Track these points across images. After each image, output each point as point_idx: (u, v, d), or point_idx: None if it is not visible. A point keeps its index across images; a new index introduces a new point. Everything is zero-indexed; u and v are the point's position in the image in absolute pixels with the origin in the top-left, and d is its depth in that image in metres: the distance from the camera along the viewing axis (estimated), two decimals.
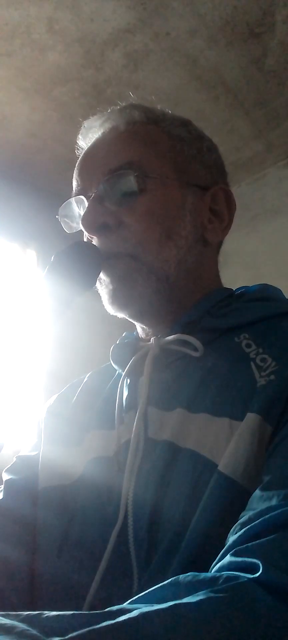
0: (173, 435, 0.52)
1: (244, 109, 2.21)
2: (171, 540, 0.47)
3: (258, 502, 0.41)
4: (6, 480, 0.65)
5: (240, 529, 0.40)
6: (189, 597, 0.32)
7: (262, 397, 0.48)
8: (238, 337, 0.56)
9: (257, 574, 0.34)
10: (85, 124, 0.65)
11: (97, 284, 0.61)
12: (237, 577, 0.34)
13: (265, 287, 0.64)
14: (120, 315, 0.61)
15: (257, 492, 0.42)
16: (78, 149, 0.66)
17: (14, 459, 0.69)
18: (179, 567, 0.45)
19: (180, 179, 0.60)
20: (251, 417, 0.47)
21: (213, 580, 0.34)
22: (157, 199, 0.58)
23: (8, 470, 0.67)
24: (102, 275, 0.59)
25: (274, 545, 0.36)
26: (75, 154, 0.66)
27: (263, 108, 2.22)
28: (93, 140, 0.63)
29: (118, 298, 0.58)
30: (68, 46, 1.81)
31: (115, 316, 0.63)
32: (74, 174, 0.63)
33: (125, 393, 0.61)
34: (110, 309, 0.60)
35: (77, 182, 0.62)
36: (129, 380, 0.62)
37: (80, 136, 0.66)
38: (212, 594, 0.32)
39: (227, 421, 0.49)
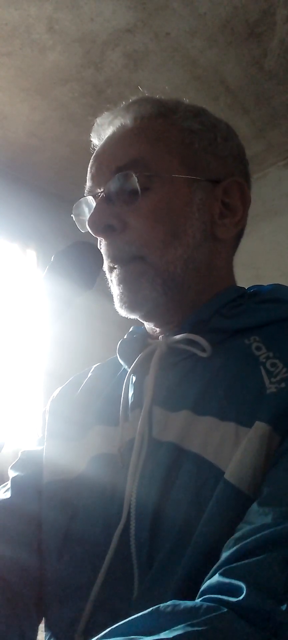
0: (178, 437, 0.51)
1: (244, 109, 2.21)
2: (173, 545, 0.46)
3: (255, 516, 0.41)
4: (13, 478, 0.64)
5: (233, 546, 0.39)
6: (167, 631, 0.32)
7: (272, 406, 0.46)
8: (249, 339, 0.54)
9: (240, 598, 0.34)
10: (98, 120, 0.64)
11: (109, 284, 0.61)
12: (217, 607, 0.34)
13: (278, 288, 0.61)
14: (132, 316, 0.60)
15: (254, 506, 0.42)
16: (93, 147, 0.65)
17: (19, 455, 0.68)
18: (182, 576, 0.44)
19: (188, 174, 0.58)
20: (260, 426, 0.46)
21: (193, 611, 0.34)
22: (162, 197, 0.56)
23: (14, 467, 0.66)
24: (112, 277, 0.60)
25: (261, 566, 0.36)
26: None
27: (263, 108, 2.22)
28: (104, 138, 0.63)
29: (125, 302, 0.58)
30: (68, 46, 1.81)
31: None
32: (87, 173, 0.63)
33: (131, 391, 0.60)
34: (121, 312, 0.60)
35: (88, 181, 0.62)
36: (134, 378, 0.61)
37: (92, 133, 0.66)
38: (189, 628, 0.32)
39: (233, 426, 0.48)
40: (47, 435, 0.66)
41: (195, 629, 0.32)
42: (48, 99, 2.08)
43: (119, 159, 0.57)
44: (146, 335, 0.65)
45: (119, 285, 0.58)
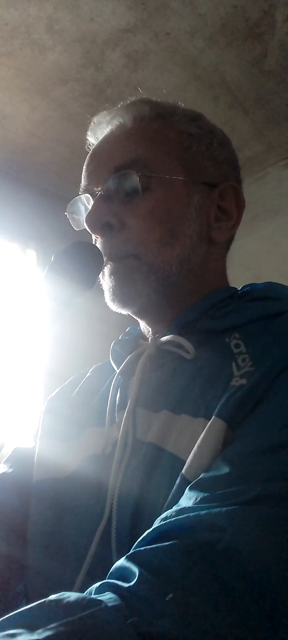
0: (157, 437, 0.52)
1: (244, 109, 2.21)
2: None
3: (182, 499, 0.42)
4: (0, 474, 0.67)
5: (152, 528, 0.40)
6: (41, 630, 0.31)
7: (230, 402, 0.46)
8: (229, 337, 0.55)
9: (130, 584, 0.35)
10: (95, 119, 0.64)
11: (100, 279, 0.61)
12: (98, 602, 0.34)
13: (269, 286, 0.61)
14: (124, 312, 0.61)
15: (187, 489, 0.42)
16: (88, 146, 0.65)
17: (11, 450, 0.70)
18: None
19: (186, 176, 0.59)
20: (216, 422, 0.46)
21: (75, 606, 0.33)
22: (161, 198, 0.57)
23: (5, 462, 0.68)
24: (104, 271, 0.60)
25: (159, 552, 0.37)
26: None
27: (263, 108, 2.22)
28: (101, 137, 0.63)
29: (117, 296, 0.58)
30: (68, 46, 1.81)
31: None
32: (83, 171, 0.63)
33: (118, 392, 0.61)
34: (111, 306, 0.60)
35: (84, 179, 0.62)
36: (122, 380, 0.62)
37: (89, 132, 0.65)
38: (62, 628, 0.31)
39: (202, 421, 0.48)
40: (40, 433, 0.67)
41: (67, 628, 0.31)
42: (48, 99, 2.08)
43: (118, 158, 0.57)
44: (139, 336, 0.66)
45: (111, 278, 0.58)
